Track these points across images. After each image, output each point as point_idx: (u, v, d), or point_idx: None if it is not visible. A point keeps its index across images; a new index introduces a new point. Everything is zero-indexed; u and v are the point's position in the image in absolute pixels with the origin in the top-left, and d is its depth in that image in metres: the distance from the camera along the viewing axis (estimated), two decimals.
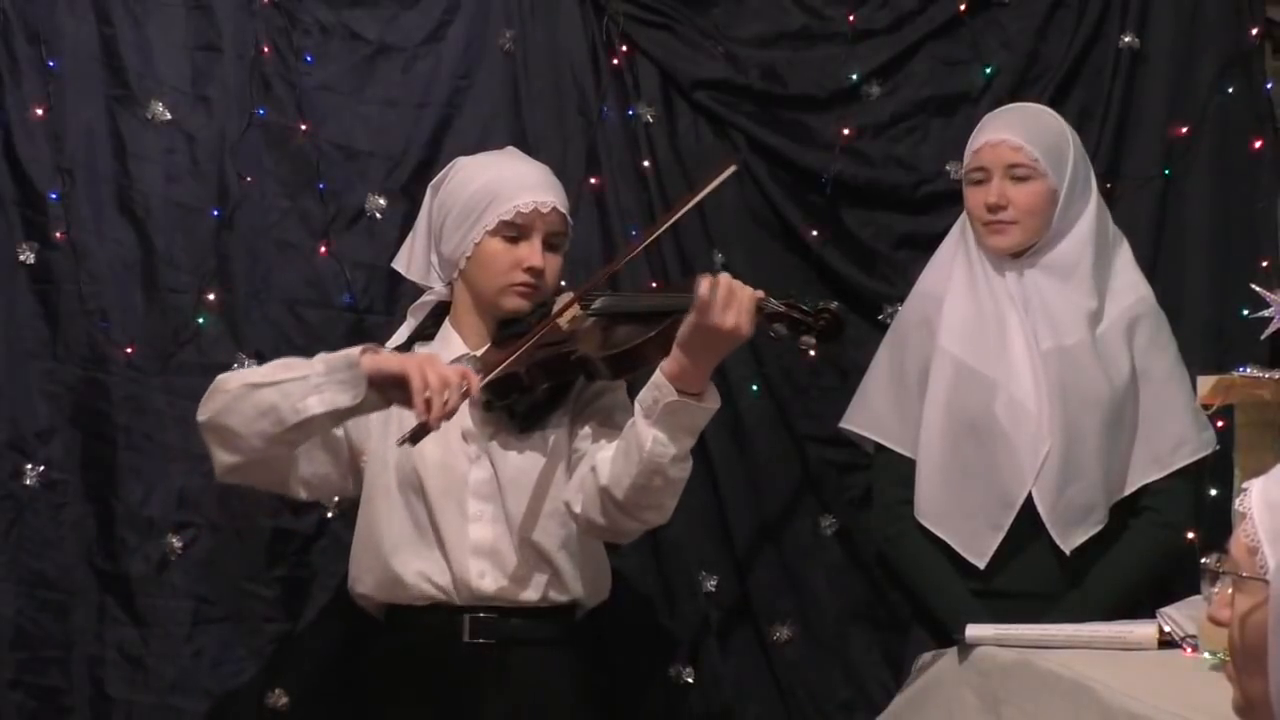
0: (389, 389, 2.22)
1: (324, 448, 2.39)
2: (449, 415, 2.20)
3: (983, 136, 2.61)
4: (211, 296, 2.80)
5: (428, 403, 2.17)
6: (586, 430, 2.39)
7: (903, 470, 2.63)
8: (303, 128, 2.85)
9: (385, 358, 2.25)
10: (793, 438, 2.97)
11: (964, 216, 2.67)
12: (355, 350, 2.24)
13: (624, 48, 2.96)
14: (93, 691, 2.72)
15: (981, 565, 2.54)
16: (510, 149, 2.59)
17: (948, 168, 2.98)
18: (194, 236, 2.81)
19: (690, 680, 2.90)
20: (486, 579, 2.35)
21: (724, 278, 2.17)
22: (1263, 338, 2.20)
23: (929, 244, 2.79)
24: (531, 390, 2.34)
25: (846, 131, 3.00)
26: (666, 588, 2.92)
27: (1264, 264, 2.96)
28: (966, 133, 2.72)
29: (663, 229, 2.49)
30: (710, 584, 2.92)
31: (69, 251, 2.75)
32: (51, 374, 2.75)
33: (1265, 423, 2.17)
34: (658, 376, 2.19)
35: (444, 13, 2.92)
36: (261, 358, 2.77)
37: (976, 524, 2.55)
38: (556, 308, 2.37)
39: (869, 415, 2.71)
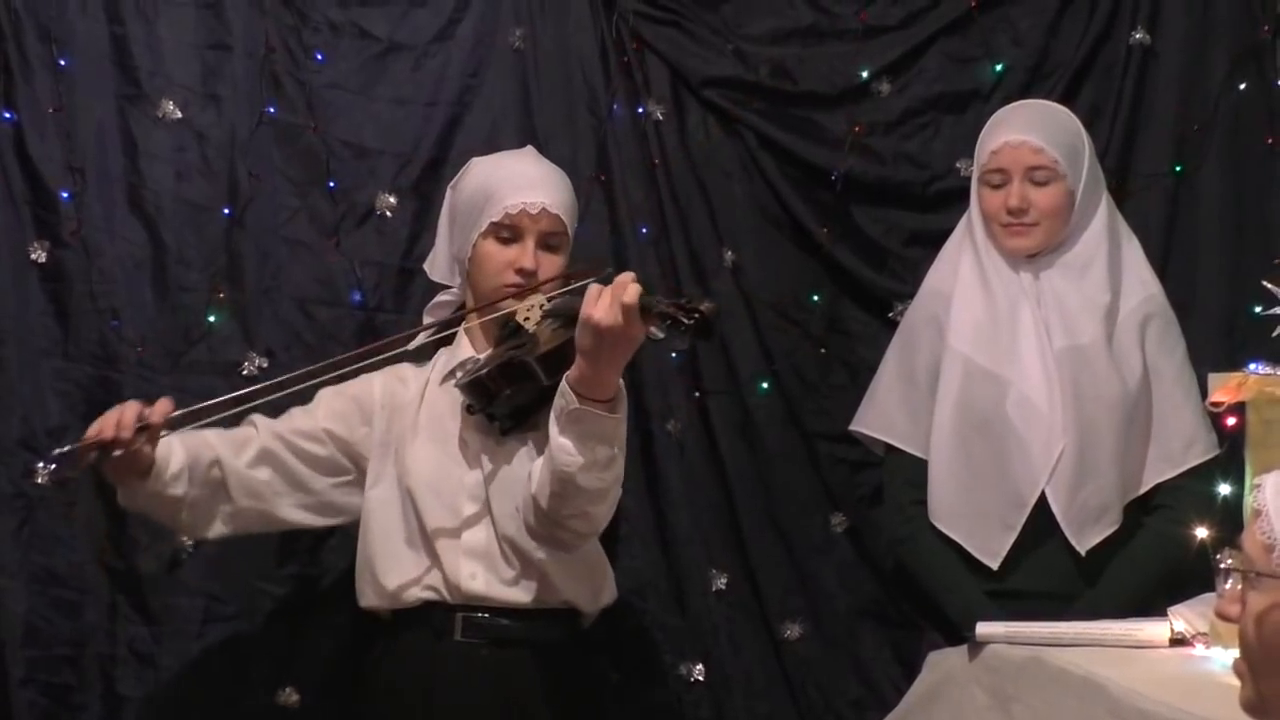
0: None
1: (315, 468, 2.43)
2: (123, 429, 2.22)
3: (1000, 137, 2.59)
4: (222, 295, 2.80)
5: (99, 433, 2.24)
6: None
7: (914, 471, 2.62)
8: (313, 126, 2.85)
9: None
10: (803, 435, 2.97)
11: (970, 214, 2.66)
12: None
13: (634, 45, 2.96)
14: (104, 689, 2.73)
15: (994, 566, 2.53)
16: (527, 149, 2.60)
17: (958, 165, 2.98)
18: (205, 235, 2.81)
19: (701, 678, 2.90)
20: (477, 580, 2.36)
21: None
22: (1275, 335, 2.19)
23: (939, 241, 2.78)
24: (497, 394, 2.33)
25: (857, 128, 3.00)
26: (677, 586, 2.91)
27: (1276, 260, 2.95)
28: (977, 129, 2.71)
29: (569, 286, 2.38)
30: (721, 582, 2.92)
31: (80, 250, 2.76)
32: (63, 372, 2.75)
33: (1277, 420, 2.15)
34: (563, 384, 2.15)
35: (454, 11, 2.92)
36: (272, 355, 2.78)
37: (989, 524, 2.54)
38: (520, 308, 2.36)
39: (879, 416, 2.70)
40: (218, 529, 2.43)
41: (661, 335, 2.12)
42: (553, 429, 2.16)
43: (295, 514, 2.45)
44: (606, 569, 2.49)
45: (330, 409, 2.45)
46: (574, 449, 2.13)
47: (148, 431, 2.25)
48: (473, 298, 2.47)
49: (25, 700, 2.69)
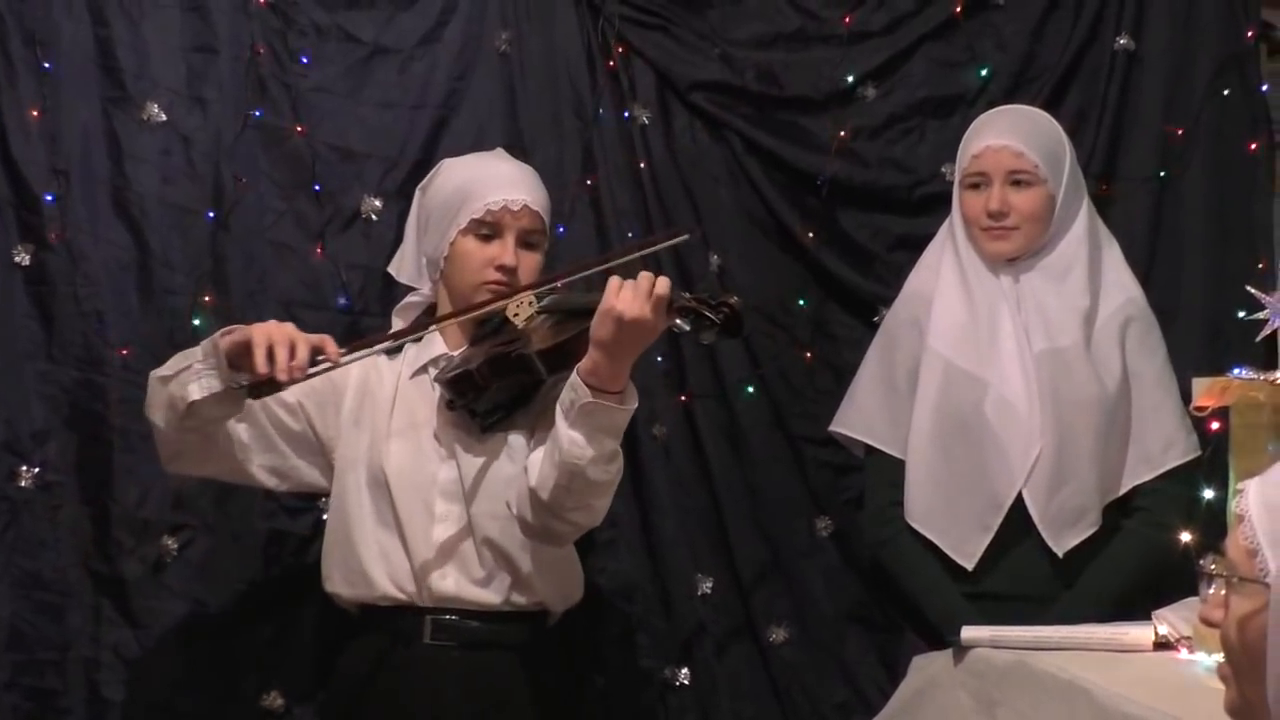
0: (243, 358, 2.23)
1: (285, 438, 2.42)
2: (297, 370, 2.20)
3: (982, 141, 2.60)
4: (207, 298, 2.79)
5: (269, 356, 2.19)
6: (541, 432, 2.36)
7: (894, 472, 2.63)
8: (298, 129, 2.84)
9: (238, 330, 2.26)
10: (788, 439, 2.97)
11: (952, 218, 2.67)
12: (218, 333, 2.28)
13: (620, 49, 2.96)
14: (88, 693, 2.71)
15: (970, 567, 2.54)
16: (498, 150, 2.60)
17: (943, 169, 2.98)
18: (190, 238, 2.81)
19: (686, 682, 2.90)
20: (448, 579, 2.36)
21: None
22: (1258, 339, 2.19)
23: (925, 245, 2.79)
24: (485, 389, 2.32)
25: (842, 133, 3.00)
26: (663, 589, 2.91)
27: (1260, 265, 2.96)
28: (963, 134, 2.72)
29: (609, 264, 2.39)
30: (706, 586, 2.92)
31: (65, 253, 2.75)
32: (47, 375, 2.74)
33: (1260, 425, 2.16)
34: (574, 376, 2.15)
35: (440, 14, 2.92)
36: None
37: (965, 525, 2.54)
38: (511, 303, 2.36)
39: (859, 417, 2.71)
40: (209, 468, 2.43)
41: (687, 328, 2.12)
42: (560, 422, 2.16)
43: (262, 474, 2.44)
44: (579, 568, 2.49)
45: (309, 383, 2.41)
46: (584, 442, 2.14)
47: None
48: (448, 297, 2.46)
49: (9, 705, 2.68)
